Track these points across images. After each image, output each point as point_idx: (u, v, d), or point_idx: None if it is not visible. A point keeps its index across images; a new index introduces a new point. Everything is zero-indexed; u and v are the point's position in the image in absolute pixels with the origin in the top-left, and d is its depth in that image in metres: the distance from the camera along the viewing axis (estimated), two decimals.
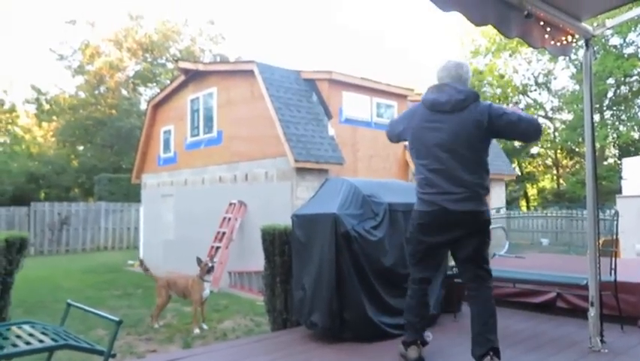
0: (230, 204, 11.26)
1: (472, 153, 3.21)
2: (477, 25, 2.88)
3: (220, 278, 10.41)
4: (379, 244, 4.17)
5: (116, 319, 2.66)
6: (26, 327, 2.81)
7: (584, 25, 3.68)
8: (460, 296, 5.14)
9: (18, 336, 2.64)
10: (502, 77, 26.36)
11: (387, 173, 11.77)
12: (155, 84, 30.45)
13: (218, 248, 10.80)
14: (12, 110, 27.21)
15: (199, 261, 6.75)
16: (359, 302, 4.01)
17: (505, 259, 5.84)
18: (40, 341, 2.55)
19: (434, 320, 4.53)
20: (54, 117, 29.13)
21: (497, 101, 26.90)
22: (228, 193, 11.55)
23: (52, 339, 2.60)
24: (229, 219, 11.04)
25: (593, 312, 3.63)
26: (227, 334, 6.44)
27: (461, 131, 3.18)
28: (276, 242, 4.74)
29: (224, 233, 10.91)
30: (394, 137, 3.70)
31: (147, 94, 30.24)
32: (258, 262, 7.93)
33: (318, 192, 4.77)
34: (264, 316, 6.48)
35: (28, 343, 2.53)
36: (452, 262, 5.15)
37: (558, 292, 4.80)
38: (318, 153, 10.28)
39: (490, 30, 22.99)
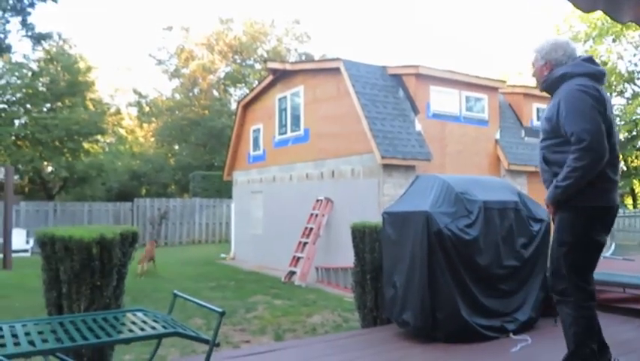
0: (317, 200, 11.45)
1: None
2: (585, 11, 2.69)
3: (308, 273, 10.63)
4: (474, 243, 4.05)
5: (220, 310, 2.80)
6: (139, 314, 3.05)
7: None
8: None
9: (133, 322, 2.88)
10: (604, 64, 24.35)
11: (477, 169, 11.36)
12: (244, 85, 31.66)
13: (305, 244, 11.02)
14: (117, 112, 29.54)
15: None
16: (452, 302, 3.92)
17: (612, 261, 5.42)
18: (153, 328, 2.76)
19: (533, 323, 4.31)
20: (153, 119, 31.27)
21: None
22: (315, 190, 11.74)
23: (163, 326, 2.81)
24: (316, 215, 11.23)
25: None
26: (317, 328, 6.56)
27: None
28: (366, 239, 4.76)
29: (311, 229, 11.11)
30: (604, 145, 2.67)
31: (237, 94, 31.54)
32: (344, 258, 8.01)
33: (408, 189, 4.71)
34: (352, 312, 6.54)
35: (142, 329, 2.75)
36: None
37: None
38: (404, 149, 10.15)
39: (590, 15, 21.35)
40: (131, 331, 2.74)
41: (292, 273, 10.83)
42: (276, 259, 12.47)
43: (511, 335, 4.07)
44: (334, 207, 11.29)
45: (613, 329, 4.26)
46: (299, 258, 10.93)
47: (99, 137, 25.51)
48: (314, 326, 6.72)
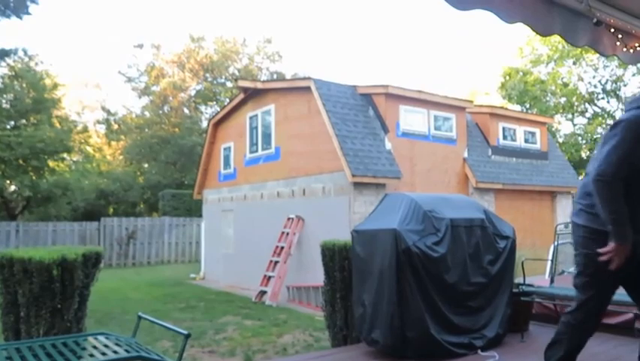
0: (289, 218, 11.40)
1: None
2: (542, 35, 2.79)
3: (279, 293, 10.52)
4: (441, 260, 4.08)
5: (185, 332, 2.74)
6: (101, 338, 2.95)
7: None
8: (528, 315, 4.93)
9: (94, 347, 2.79)
10: (566, 85, 25.28)
11: (445, 187, 11.54)
12: (215, 103, 31.52)
13: (276, 262, 10.93)
14: (84, 130, 28.93)
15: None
16: (421, 320, 3.93)
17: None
18: (115, 352, 2.68)
19: (500, 339, 4.36)
20: (122, 136, 30.74)
21: (561, 110, 25.84)
22: (286, 208, 11.70)
23: (126, 350, 2.72)
24: (287, 233, 11.17)
25: None
26: (287, 349, 6.48)
27: None
28: (336, 258, 4.75)
29: (282, 247, 11.04)
30: None
31: (208, 112, 31.34)
32: (315, 276, 7.97)
33: (377, 207, 4.74)
34: (323, 331, 6.49)
35: (103, 353, 2.66)
36: (518, 279, 4.98)
37: (636, 313, 4.49)
38: (375, 167, 10.24)
39: (552, 38, 22.20)
40: (91, 356, 2.65)
41: (263, 292, 10.70)
42: (247, 279, 12.32)
43: (479, 351, 4.10)
44: (305, 226, 11.26)
45: None
46: (270, 277, 10.82)
47: (65, 155, 24.88)
48: (285, 346, 6.64)
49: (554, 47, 24.76)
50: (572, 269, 6.12)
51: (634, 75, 24.36)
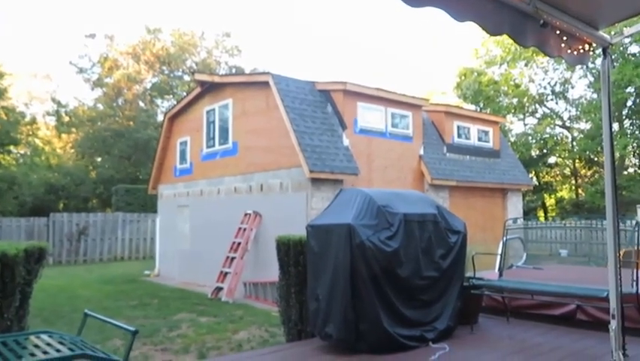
0: (246, 214, 11.30)
1: None
2: (492, 34, 2.87)
3: (235, 289, 10.42)
4: (395, 254, 4.15)
5: (132, 329, 2.67)
6: (44, 337, 2.84)
7: (601, 33, 3.63)
8: (478, 308, 5.08)
9: (36, 346, 2.68)
10: (517, 86, 26.15)
11: (402, 183, 11.72)
12: (171, 96, 30.84)
13: (233, 258, 10.82)
14: (32, 122, 27.72)
15: None
16: (374, 313, 3.98)
17: (522, 270, 5.75)
18: (58, 351, 2.58)
19: (450, 332, 4.47)
20: (73, 129, 29.62)
21: (513, 110, 26.72)
22: (243, 204, 11.59)
23: (70, 349, 2.63)
24: (244, 229, 11.07)
25: (614, 325, 3.55)
26: (243, 345, 6.43)
27: None
28: (290, 252, 4.74)
29: (239, 243, 10.94)
30: None
31: (164, 106, 30.64)
32: (272, 272, 7.92)
33: (332, 202, 4.76)
34: (280, 326, 6.47)
35: (45, 352, 2.56)
36: (469, 273, 5.11)
37: (578, 304, 4.71)
38: (332, 163, 10.28)
39: (505, 39, 22.92)
40: (32, 355, 2.54)
41: (219, 289, 10.57)
42: (203, 275, 12.14)
43: (430, 343, 4.19)
44: (263, 221, 11.19)
45: (523, 334, 4.52)
46: (226, 273, 10.70)
47: (11, 147, 23.80)
48: (240, 342, 6.58)
49: (507, 48, 25.55)
50: (520, 263, 6.35)
51: (580, 78, 25.47)
